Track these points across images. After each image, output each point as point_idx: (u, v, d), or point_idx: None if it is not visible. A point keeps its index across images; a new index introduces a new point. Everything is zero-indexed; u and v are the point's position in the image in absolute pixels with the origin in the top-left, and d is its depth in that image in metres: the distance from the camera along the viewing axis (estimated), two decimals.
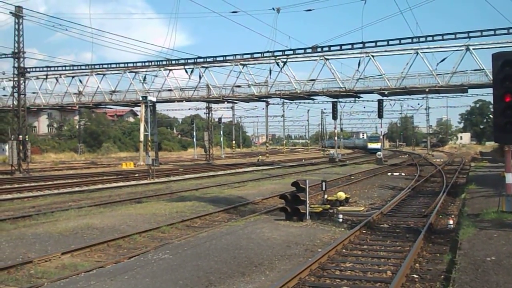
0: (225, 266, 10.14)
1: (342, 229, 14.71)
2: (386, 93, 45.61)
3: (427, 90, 43.78)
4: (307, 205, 15.59)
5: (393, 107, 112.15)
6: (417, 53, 40.42)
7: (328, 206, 17.58)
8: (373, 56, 42.17)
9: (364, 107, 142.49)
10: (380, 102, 53.92)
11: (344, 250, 11.95)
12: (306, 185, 15.47)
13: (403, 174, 38.18)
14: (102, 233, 14.41)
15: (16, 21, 42.14)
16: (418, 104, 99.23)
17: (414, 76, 43.21)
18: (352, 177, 35.13)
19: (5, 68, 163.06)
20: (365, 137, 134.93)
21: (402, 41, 32.85)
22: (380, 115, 55.30)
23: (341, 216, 16.35)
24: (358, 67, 42.92)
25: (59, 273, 10.22)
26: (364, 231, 14.22)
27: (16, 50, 42.88)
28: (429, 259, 11.22)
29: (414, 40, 32.51)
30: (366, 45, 33.22)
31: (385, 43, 33.40)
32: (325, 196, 18.97)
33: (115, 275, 9.37)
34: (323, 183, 18.70)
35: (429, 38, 32.14)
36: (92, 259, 11.64)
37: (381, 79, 43.60)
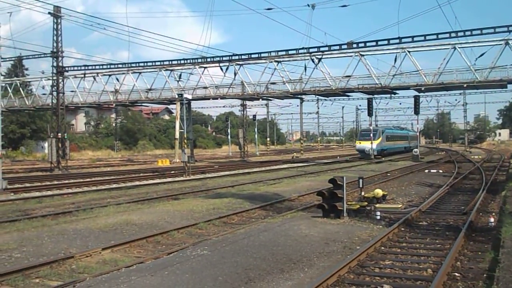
0: (263, 262, 10.15)
1: (380, 226, 14.58)
2: (422, 89, 44.82)
3: (465, 85, 42.93)
4: (345, 202, 15.48)
5: (430, 103, 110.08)
6: (455, 48, 39.66)
7: (366, 203, 17.46)
8: (409, 51, 41.59)
9: (400, 104, 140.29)
10: (416, 98, 53.16)
11: (383, 248, 11.83)
12: (344, 182, 15.36)
13: (440, 171, 37.63)
14: (141, 229, 14.58)
15: (55, 21, 42.92)
16: (456, 100, 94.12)
17: (451, 71, 42.38)
18: (389, 174, 34.82)
19: (44, 67, 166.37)
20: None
21: (440, 36, 32.37)
22: (416, 112, 54.53)
23: (378, 213, 16.20)
24: (395, 62, 42.41)
25: (100, 268, 10.38)
26: (402, 229, 14.05)
27: (55, 50, 43.69)
28: (471, 257, 11.01)
29: (452, 35, 31.95)
30: (403, 40, 32.75)
31: (422, 38, 32.90)
32: (362, 193, 18.81)
33: (155, 271, 9.46)
34: (360, 180, 18.52)
35: (467, 33, 31.56)
36: (132, 255, 11.79)
37: (417, 74, 42.96)
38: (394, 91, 48.71)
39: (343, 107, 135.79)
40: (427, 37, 32.78)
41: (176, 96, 46.90)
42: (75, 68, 47.39)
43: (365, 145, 61.90)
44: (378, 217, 15.86)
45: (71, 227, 14.57)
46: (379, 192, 19.36)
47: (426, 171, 37.59)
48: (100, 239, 13.18)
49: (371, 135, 59.79)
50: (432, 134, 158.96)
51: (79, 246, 12.30)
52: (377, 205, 17.91)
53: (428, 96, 73.83)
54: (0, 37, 26.51)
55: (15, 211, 18.97)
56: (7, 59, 51.66)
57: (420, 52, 43.59)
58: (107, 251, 11.85)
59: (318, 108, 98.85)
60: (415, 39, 32.89)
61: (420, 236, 13.34)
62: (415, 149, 57.10)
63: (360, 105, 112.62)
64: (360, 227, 14.35)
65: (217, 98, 53.22)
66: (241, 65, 47.32)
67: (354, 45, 34.70)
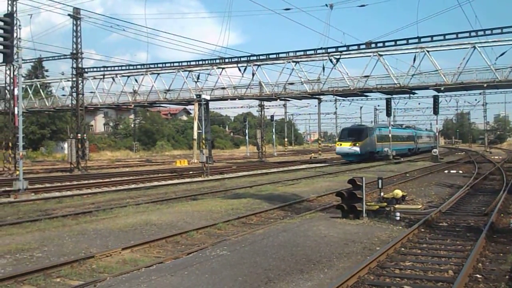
0: (283, 263, 10.14)
1: (400, 227, 14.48)
2: (442, 89, 44.60)
3: (485, 85, 42.65)
4: (364, 202, 15.41)
5: (449, 103, 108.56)
6: (475, 47, 39.35)
7: (385, 204, 17.35)
8: (428, 51, 41.33)
9: (419, 104, 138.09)
10: (435, 98, 52.80)
11: (403, 249, 11.74)
12: (363, 183, 15.29)
13: (460, 171, 37.27)
14: (160, 229, 14.64)
15: (74, 22, 43.30)
16: (475, 100, 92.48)
17: (471, 71, 42.10)
18: (408, 175, 34.59)
19: (64, 69, 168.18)
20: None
21: (459, 35, 32.05)
22: (435, 112, 54.14)
23: (398, 214, 16.07)
24: (413, 62, 42.20)
25: (120, 268, 10.42)
26: (423, 230, 13.94)
27: (75, 51, 44.07)
28: (492, 258, 10.88)
29: (472, 34, 31.63)
30: (422, 40, 32.53)
31: (442, 37, 32.64)
32: (381, 193, 18.69)
33: (175, 271, 9.50)
34: (379, 181, 18.42)
35: (488, 32, 31.25)
36: (152, 255, 11.84)
37: (436, 74, 42.73)
38: (413, 91, 48.46)
39: (361, 107, 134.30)
40: (447, 37, 32.53)
41: (194, 97, 47.15)
42: (95, 69, 47.80)
43: (348, 147, 52.50)
44: (398, 218, 15.74)
45: (91, 227, 14.69)
46: (398, 192, 19.21)
47: (446, 171, 37.28)
48: (120, 239, 13.25)
49: (359, 133, 53.82)
50: (451, 135, 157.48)
51: (99, 246, 12.38)
52: (397, 206, 17.77)
53: (448, 96, 72.97)
54: (21, 39, 26.74)
55: (36, 211, 19.17)
56: (28, 61, 52.21)
57: (439, 52, 43.40)
58: (127, 251, 11.91)
59: (336, 108, 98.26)
60: (434, 38, 32.64)
61: (441, 237, 13.21)
62: (435, 150, 56.61)
63: (378, 105, 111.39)
64: (379, 227, 14.27)
65: (235, 99, 53.44)
66: (259, 65, 47.43)
67: (373, 45, 34.53)
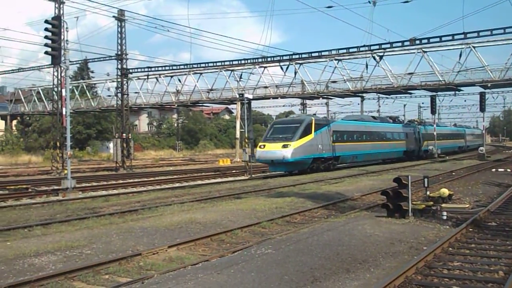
0: (328, 262, 10.08)
1: (447, 226, 14.22)
2: (488, 85, 43.66)
3: None
4: (410, 201, 15.19)
5: (496, 100, 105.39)
6: None
7: (431, 203, 17.08)
8: (474, 47, 40.47)
9: (465, 101, 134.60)
10: (482, 95, 51.65)
11: (450, 249, 11.52)
12: (409, 181, 15.08)
13: (508, 170, 36.34)
14: (205, 228, 14.75)
15: (119, 24, 44.09)
16: None
17: None
18: (453, 174, 33.94)
19: (109, 70, 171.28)
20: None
21: (507, 30, 31.22)
22: (482, 109, 52.94)
23: (445, 213, 15.80)
24: (459, 59, 41.38)
25: (167, 266, 10.54)
26: (471, 229, 13.64)
27: (119, 52, 44.86)
28: None
29: None
30: (468, 35, 31.80)
31: (488, 33, 31.84)
32: (427, 192, 18.41)
33: (221, 269, 9.55)
34: (425, 179, 18.14)
35: None
36: (197, 253, 11.93)
37: (483, 70, 41.84)
38: (459, 88, 47.58)
39: (404, 105, 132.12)
40: (494, 32, 31.69)
41: (237, 96, 47.41)
42: (139, 70, 48.51)
43: (274, 151, 34.07)
44: (445, 217, 15.48)
45: (138, 225, 14.91)
46: (445, 191, 18.89)
47: (493, 170, 36.43)
48: (166, 237, 13.41)
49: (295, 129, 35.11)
50: (498, 132, 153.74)
51: (146, 244, 12.55)
52: (443, 205, 17.48)
53: (494, 92, 71.16)
54: (68, 41, 27.34)
55: (83, 209, 19.57)
56: (74, 62, 53.41)
57: (486, 47, 42.51)
58: (173, 249, 12.03)
59: (379, 106, 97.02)
60: (480, 34, 31.86)
61: (490, 237, 12.90)
62: (481, 148, 55.31)
63: (422, 103, 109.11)
64: (426, 227, 14.05)
65: (277, 98, 53.54)
66: (301, 64, 47.38)
67: (417, 42, 33.93)
